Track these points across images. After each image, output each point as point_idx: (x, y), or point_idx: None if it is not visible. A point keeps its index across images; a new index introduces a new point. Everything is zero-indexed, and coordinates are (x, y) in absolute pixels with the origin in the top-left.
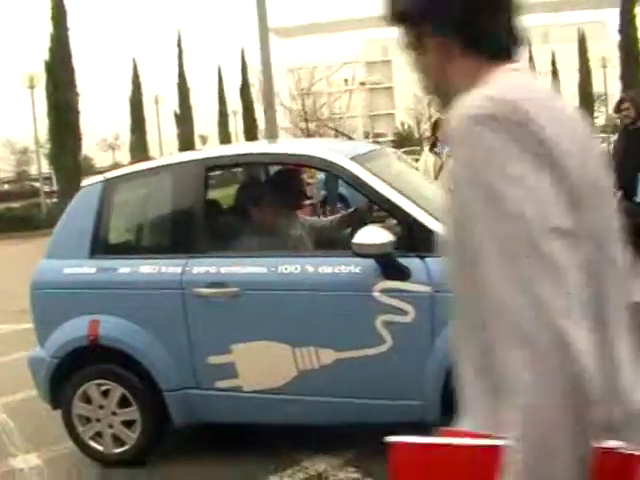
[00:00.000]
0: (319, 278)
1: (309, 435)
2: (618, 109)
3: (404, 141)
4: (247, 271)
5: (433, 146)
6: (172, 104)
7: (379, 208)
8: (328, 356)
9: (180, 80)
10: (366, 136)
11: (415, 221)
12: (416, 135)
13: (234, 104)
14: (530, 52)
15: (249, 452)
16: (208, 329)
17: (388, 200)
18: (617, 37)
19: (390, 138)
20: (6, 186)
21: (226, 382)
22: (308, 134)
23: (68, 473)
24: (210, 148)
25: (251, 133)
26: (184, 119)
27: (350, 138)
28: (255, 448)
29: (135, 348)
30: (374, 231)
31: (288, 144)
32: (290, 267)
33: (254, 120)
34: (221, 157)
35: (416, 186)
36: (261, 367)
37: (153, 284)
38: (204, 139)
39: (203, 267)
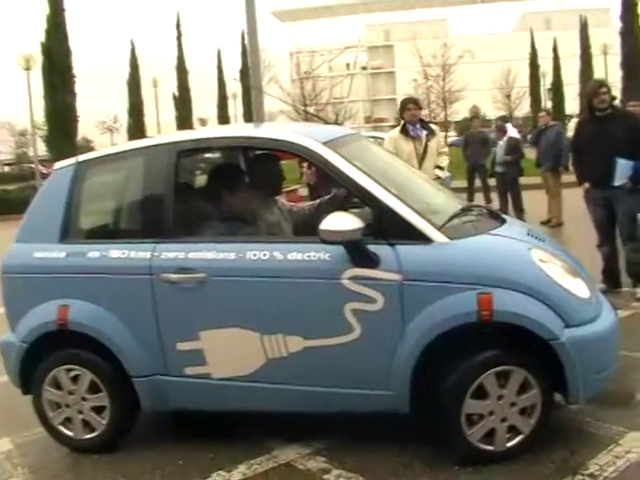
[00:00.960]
0: (287, 265)
1: (279, 424)
2: (595, 93)
3: None
4: (215, 257)
5: (404, 129)
6: (171, 87)
7: (351, 194)
8: (296, 344)
9: (179, 63)
10: (367, 121)
11: (386, 208)
12: None
13: (234, 87)
14: (532, 38)
15: (218, 440)
16: (176, 315)
17: (359, 186)
18: (619, 24)
19: (391, 123)
20: (6, 168)
21: (194, 369)
22: (306, 118)
23: (39, 458)
24: (182, 131)
25: (251, 116)
26: (183, 102)
27: (327, 122)
28: (225, 436)
29: (104, 333)
30: (342, 217)
31: (261, 128)
32: (259, 253)
33: None
34: (191, 141)
35: (391, 172)
36: (229, 354)
37: (122, 269)
38: (203, 122)
39: (172, 252)
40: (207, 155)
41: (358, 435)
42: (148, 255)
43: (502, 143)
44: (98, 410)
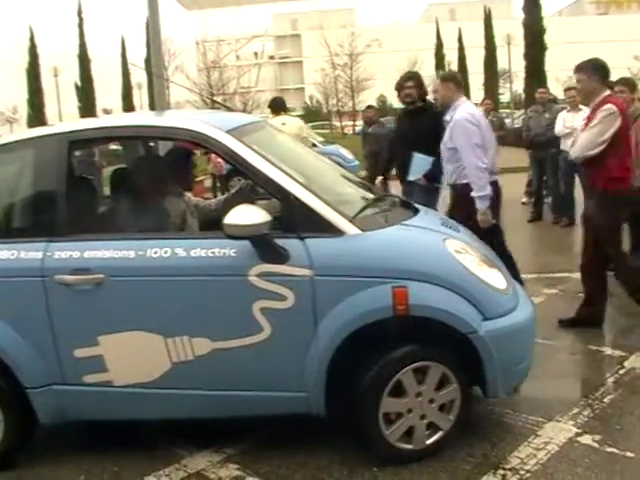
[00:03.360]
0: (190, 262)
1: (187, 431)
2: (401, 87)
3: (313, 115)
4: (113, 255)
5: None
6: (73, 76)
7: (256, 185)
8: (203, 346)
9: (81, 51)
10: None
11: (294, 199)
12: (325, 110)
13: (139, 77)
14: (437, 29)
15: (122, 451)
16: (73, 320)
17: (266, 176)
18: (522, 15)
19: (299, 113)
20: None
21: (94, 376)
22: (213, 108)
23: None
24: (75, 121)
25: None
26: (85, 92)
27: (229, 109)
28: (129, 446)
29: None
30: (248, 210)
31: (161, 116)
32: (160, 251)
33: None
34: (83, 131)
35: (299, 162)
36: (132, 360)
37: (11, 271)
38: (108, 113)
39: (66, 252)
40: (111, 146)
41: (271, 440)
42: (40, 255)
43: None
44: None
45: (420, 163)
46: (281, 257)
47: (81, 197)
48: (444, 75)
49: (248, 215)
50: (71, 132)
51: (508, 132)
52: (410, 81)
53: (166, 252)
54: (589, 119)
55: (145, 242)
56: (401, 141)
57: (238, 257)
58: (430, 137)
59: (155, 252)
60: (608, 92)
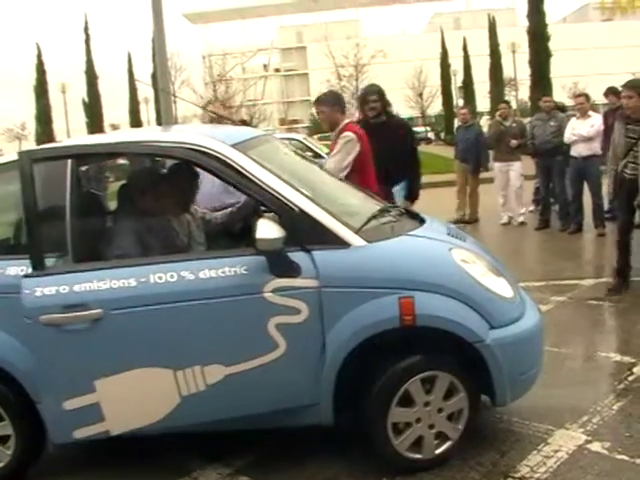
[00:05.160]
0: (199, 285)
1: (197, 444)
2: (365, 101)
3: (319, 127)
4: (111, 286)
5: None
6: (80, 92)
7: (262, 199)
8: (216, 373)
9: (88, 67)
10: (282, 122)
11: (300, 212)
12: None
13: (146, 92)
14: (442, 38)
15: (134, 466)
16: (62, 366)
17: (272, 189)
18: (526, 23)
19: (306, 124)
20: None
21: (88, 430)
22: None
23: None
24: (78, 138)
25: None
26: (93, 107)
27: (234, 122)
28: (139, 459)
29: (3, 358)
30: (270, 225)
31: (161, 131)
32: (165, 276)
33: None
34: (78, 147)
35: (304, 174)
36: (134, 402)
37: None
38: (115, 128)
39: (52, 286)
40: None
41: (279, 451)
42: (25, 292)
43: None
44: (2, 440)
45: (398, 194)
46: (294, 270)
47: (74, 222)
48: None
49: (273, 229)
50: (74, 147)
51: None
52: (374, 95)
53: (172, 276)
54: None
55: (146, 267)
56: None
57: (251, 274)
58: (400, 149)
59: (159, 277)
60: (347, 120)
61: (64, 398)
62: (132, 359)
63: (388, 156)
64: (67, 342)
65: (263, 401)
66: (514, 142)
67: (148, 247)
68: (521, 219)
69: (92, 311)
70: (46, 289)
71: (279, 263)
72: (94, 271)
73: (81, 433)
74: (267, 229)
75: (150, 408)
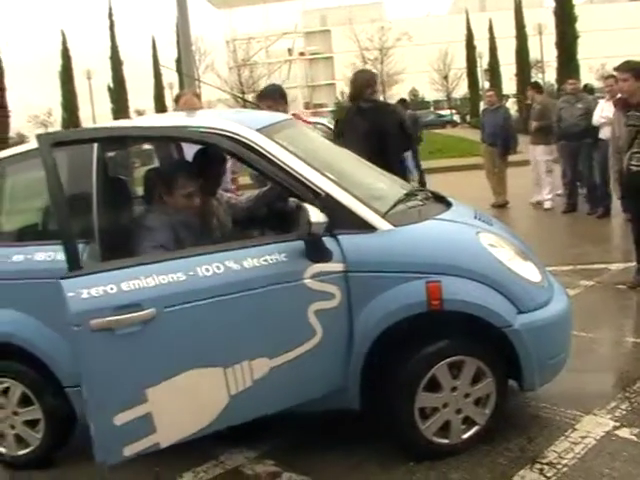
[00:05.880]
0: (245, 275)
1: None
2: (369, 84)
3: (344, 111)
4: (160, 282)
5: None
6: (105, 78)
7: (287, 184)
8: (262, 367)
9: (113, 53)
10: (306, 107)
11: (327, 196)
12: None
13: (170, 77)
14: (467, 20)
15: (162, 451)
16: (113, 376)
17: (298, 174)
18: (553, 4)
19: (331, 108)
20: None
21: (138, 445)
22: (244, 106)
23: None
24: (106, 122)
25: None
26: (118, 93)
27: (258, 107)
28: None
29: (33, 343)
30: (316, 210)
31: (187, 116)
32: (211, 267)
33: None
34: (104, 130)
35: (330, 158)
36: (184, 409)
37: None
38: (140, 114)
39: (98, 286)
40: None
41: (305, 436)
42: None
43: None
44: (31, 424)
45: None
46: (329, 255)
47: (105, 215)
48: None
49: (321, 214)
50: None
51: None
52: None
53: (218, 268)
54: None
55: (192, 260)
56: (366, 140)
57: (290, 261)
58: (397, 132)
59: (206, 269)
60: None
61: (115, 412)
62: (183, 361)
63: (389, 134)
64: (118, 348)
65: (302, 391)
66: (535, 124)
67: (182, 237)
68: (547, 205)
69: (146, 311)
70: (93, 290)
71: (316, 248)
72: (138, 266)
73: (131, 449)
74: (317, 213)
75: (200, 412)
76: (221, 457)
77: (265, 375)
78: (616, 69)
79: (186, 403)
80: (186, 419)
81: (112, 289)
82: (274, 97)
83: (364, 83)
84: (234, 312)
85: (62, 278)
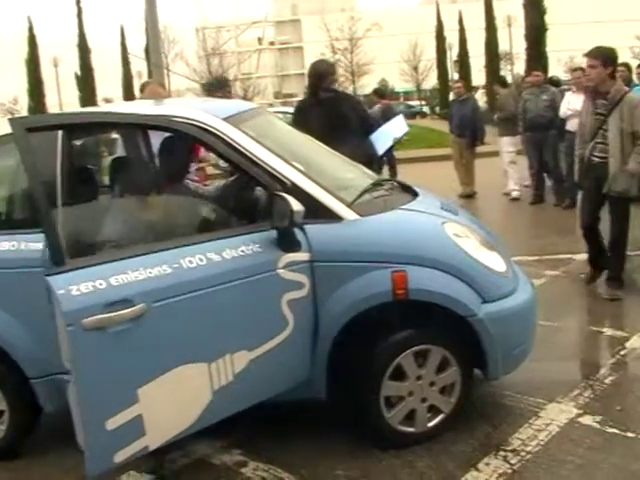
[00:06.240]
0: (226, 266)
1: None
2: (327, 74)
3: None
4: (148, 276)
5: None
6: (72, 66)
7: (255, 173)
8: (242, 361)
9: (80, 40)
10: (276, 96)
11: (293, 185)
12: None
13: (139, 65)
14: (438, 11)
15: None
16: (106, 377)
17: (264, 163)
18: None
19: (300, 98)
20: None
21: (129, 450)
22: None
23: None
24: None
25: None
26: (86, 81)
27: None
28: None
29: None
30: (292, 198)
31: (153, 104)
32: (194, 259)
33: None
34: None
35: (297, 148)
36: (171, 408)
37: (10, 262)
38: (108, 101)
39: (87, 282)
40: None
41: (272, 425)
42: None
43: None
44: None
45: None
46: (299, 244)
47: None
48: None
49: (298, 202)
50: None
51: None
52: (333, 70)
53: (201, 260)
54: None
55: (175, 252)
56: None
57: (265, 251)
58: (356, 123)
59: (190, 262)
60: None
61: (108, 416)
62: (172, 357)
63: (347, 125)
64: (111, 347)
65: (276, 383)
66: (495, 116)
67: (156, 227)
68: (514, 195)
69: (137, 306)
70: (82, 286)
71: (288, 238)
72: (125, 260)
73: (122, 455)
74: (297, 203)
75: (186, 411)
76: (187, 447)
77: (244, 369)
78: (586, 55)
79: (173, 402)
80: (173, 419)
81: (101, 284)
82: (223, 87)
83: (322, 73)
84: (218, 305)
85: (49, 274)
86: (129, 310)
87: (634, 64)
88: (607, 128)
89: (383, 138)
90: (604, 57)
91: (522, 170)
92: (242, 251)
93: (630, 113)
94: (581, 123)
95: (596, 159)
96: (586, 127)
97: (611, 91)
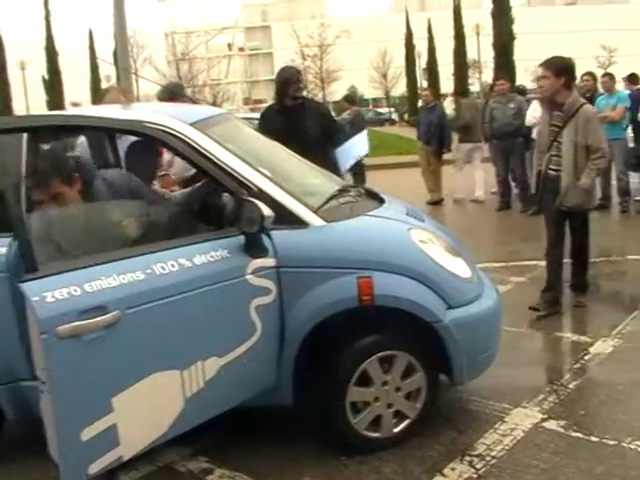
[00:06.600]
0: (196, 272)
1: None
2: (293, 82)
3: None
4: (121, 282)
5: None
6: (40, 69)
7: (221, 179)
8: (213, 367)
9: (48, 43)
10: (246, 102)
11: (259, 191)
12: None
13: (108, 69)
14: (407, 19)
15: None
16: (81, 386)
17: (231, 169)
18: (491, 5)
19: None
20: None
21: (103, 461)
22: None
23: None
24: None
25: None
26: (53, 85)
27: (193, 101)
28: None
29: None
30: (261, 204)
31: (121, 108)
32: (166, 265)
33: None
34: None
35: (263, 154)
36: (144, 416)
37: None
38: (76, 105)
39: (62, 288)
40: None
41: (237, 432)
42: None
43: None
44: None
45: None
46: (265, 250)
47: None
48: None
49: (267, 208)
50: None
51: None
52: (300, 77)
53: (173, 265)
54: None
55: (146, 258)
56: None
57: (234, 257)
58: (322, 132)
59: (162, 267)
60: None
61: (82, 426)
62: (145, 365)
63: (312, 133)
64: (85, 355)
65: (244, 390)
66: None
67: (126, 232)
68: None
69: (111, 313)
70: (57, 292)
71: (255, 244)
72: (99, 265)
73: (96, 467)
74: (267, 208)
75: (159, 420)
76: (152, 454)
77: (214, 375)
78: (539, 65)
79: (147, 411)
80: (147, 428)
81: (76, 291)
82: (173, 96)
83: (288, 80)
84: (189, 310)
85: (23, 281)
86: (103, 317)
87: (599, 73)
88: (561, 140)
89: (346, 155)
90: (556, 67)
91: (490, 177)
92: (212, 257)
93: (584, 126)
94: (540, 133)
95: (552, 172)
96: (543, 138)
97: (566, 103)
